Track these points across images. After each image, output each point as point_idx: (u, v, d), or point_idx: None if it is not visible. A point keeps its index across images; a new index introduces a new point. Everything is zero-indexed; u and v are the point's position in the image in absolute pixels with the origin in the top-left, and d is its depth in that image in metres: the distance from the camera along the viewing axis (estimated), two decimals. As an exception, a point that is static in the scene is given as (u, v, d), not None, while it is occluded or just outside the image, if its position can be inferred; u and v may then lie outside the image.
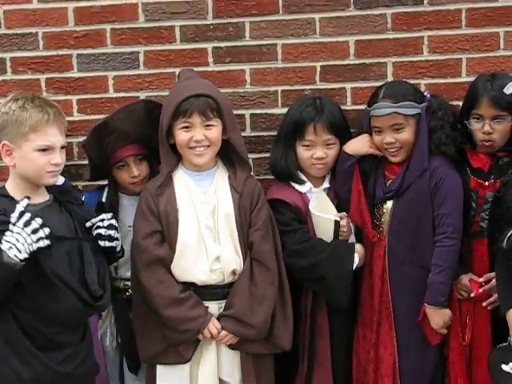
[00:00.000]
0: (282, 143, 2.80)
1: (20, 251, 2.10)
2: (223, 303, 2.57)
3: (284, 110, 2.91)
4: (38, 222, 2.13)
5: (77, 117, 3.03)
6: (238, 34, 2.94)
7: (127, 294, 2.75)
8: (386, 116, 2.62)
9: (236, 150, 2.61)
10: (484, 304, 2.60)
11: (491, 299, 2.58)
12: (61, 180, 2.57)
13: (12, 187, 2.31)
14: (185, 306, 2.49)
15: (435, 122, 2.64)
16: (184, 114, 2.49)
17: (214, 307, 2.57)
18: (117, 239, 2.41)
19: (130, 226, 2.62)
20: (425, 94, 2.72)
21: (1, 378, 2.21)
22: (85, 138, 2.85)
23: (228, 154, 2.64)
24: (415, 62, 2.91)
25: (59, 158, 2.30)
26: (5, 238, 2.12)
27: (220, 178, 2.62)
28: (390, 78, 2.91)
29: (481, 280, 2.60)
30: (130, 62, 2.99)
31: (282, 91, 2.97)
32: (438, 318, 2.61)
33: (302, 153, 2.76)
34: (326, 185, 2.81)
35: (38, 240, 2.11)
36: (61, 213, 2.34)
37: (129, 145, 2.66)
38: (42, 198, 2.33)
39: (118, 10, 2.96)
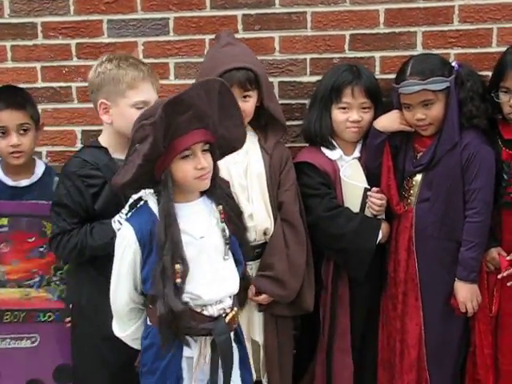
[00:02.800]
0: (317, 107, 2.80)
1: None
2: (253, 264, 2.60)
3: (312, 78, 2.94)
4: None
5: (106, 82, 3.05)
6: (268, 2, 2.94)
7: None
8: (415, 93, 2.60)
9: (274, 116, 2.66)
10: (509, 284, 2.62)
11: None
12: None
13: (107, 142, 2.49)
14: None
15: (465, 93, 2.62)
16: None
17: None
18: None
19: (201, 238, 2.18)
20: (453, 64, 2.69)
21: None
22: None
23: (258, 119, 2.67)
24: (445, 32, 2.89)
25: None
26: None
27: (250, 140, 2.62)
28: (419, 48, 2.90)
29: (509, 258, 2.61)
30: (160, 29, 3.00)
31: (311, 59, 2.97)
32: (465, 291, 2.62)
33: (338, 116, 2.77)
34: (357, 154, 2.82)
35: None
36: None
37: (201, 128, 2.09)
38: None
39: (149, -25, 2.97)
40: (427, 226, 2.68)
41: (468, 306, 2.63)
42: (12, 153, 2.60)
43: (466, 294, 2.62)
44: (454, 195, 2.63)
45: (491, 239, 2.65)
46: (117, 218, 2.31)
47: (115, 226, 2.32)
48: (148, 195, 2.20)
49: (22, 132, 2.60)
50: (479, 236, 2.60)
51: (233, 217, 2.22)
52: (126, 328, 2.24)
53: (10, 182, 2.67)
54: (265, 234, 2.62)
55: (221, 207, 2.20)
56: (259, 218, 2.60)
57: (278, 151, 2.68)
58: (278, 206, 2.65)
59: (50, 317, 2.63)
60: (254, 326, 2.65)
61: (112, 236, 2.24)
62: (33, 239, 2.58)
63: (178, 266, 2.08)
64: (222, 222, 2.20)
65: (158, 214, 2.12)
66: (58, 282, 2.63)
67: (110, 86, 2.43)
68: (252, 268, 2.61)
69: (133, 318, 2.23)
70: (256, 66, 2.62)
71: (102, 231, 2.36)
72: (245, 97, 2.57)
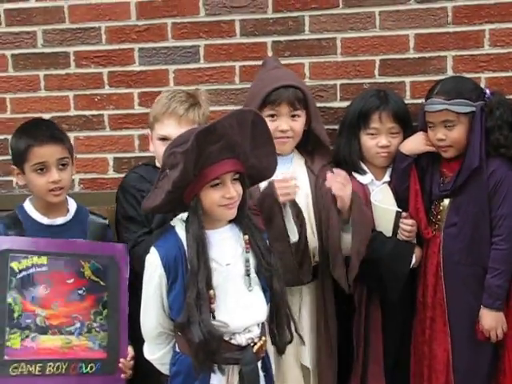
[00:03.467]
0: (345, 133, 2.82)
1: None
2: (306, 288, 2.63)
3: (343, 104, 2.95)
4: None
5: (138, 110, 3.08)
6: (298, 28, 2.96)
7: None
8: (438, 112, 2.61)
9: (320, 139, 2.71)
10: None
11: None
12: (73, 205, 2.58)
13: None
14: None
15: (493, 121, 2.61)
16: (273, 102, 2.55)
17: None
18: None
19: (227, 265, 2.18)
20: (485, 91, 2.68)
21: None
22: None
23: (305, 143, 2.72)
24: (476, 56, 2.89)
25: None
26: None
27: (297, 162, 2.69)
28: (449, 72, 2.90)
29: None
30: (191, 56, 3.03)
31: (341, 85, 2.98)
32: (490, 319, 2.60)
33: (367, 141, 2.78)
34: (387, 178, 2.82)
35: None
36: None
37: (231, 158, 2.10)
38: None
39: (179, 4, 3.00)
40: (454, 253, 2.66)
41: (492, 333, 2.61)
42: (52, 190, 2.43)
43: (491, 322, 2.60)
44: (481, 222, 2.61)
45: None
46: (178, 217, 2.25)
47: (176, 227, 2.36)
48: (176, 221, 2.20)
49: (61, 167, 2.45)
50: (505, 263, 2.58)
51: (257, 249, 2.20)
52: (155, 351, 2.25)
53: (45, 220, 2.48)
54: (313, 256, 2.63)
55: (246, 237, 2.20)
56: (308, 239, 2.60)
57: (324, 174, 2.68)
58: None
59: (91, 368, 2.40)
60: (303, 350, 2.62)
61: None
62: (72, 280, 2.40)
63: (212, 292, 2.09)
64: (246, 252, 2.20)
65: (184, 241, 2.14)
66: (98, 329, 2.42)
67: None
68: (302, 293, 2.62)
69: (161, 342, 2.23)
70: (304, 87, 2.68)
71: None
72: (293, 116, 2.62)
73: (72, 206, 2.57)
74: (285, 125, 2.57)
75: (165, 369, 2.25)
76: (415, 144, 2.73)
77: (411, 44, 2.92)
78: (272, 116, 2.59)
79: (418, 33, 2.91)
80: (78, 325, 2.40)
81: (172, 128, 2.49)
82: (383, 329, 2.79)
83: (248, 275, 2.18)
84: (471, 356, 2.68)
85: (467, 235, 2.64)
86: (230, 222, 2.22)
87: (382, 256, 2.67)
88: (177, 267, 2.13)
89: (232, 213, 2.16)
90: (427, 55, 2.92)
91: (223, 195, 2.10)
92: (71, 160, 2.53)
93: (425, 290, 2.75)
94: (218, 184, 2.10)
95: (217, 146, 2.05)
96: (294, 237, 2.53)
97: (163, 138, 2.52)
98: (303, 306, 2.67)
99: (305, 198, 2.64)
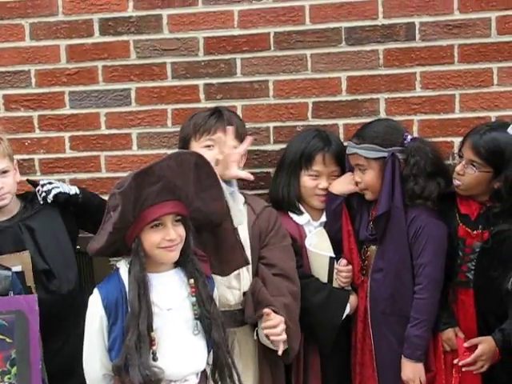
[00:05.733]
0: (285, 172, 2.77)
1: None
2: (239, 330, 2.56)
3: (276, 147, 2.93)
4: None
5: (69, 154, 3.04)
6: (230, 71, 2.94)
7: None
8: (351, 155, 2.62)
9: None
10: (464, 369, 2.54)
11: (477, 366, 2.51)
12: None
13: None
14: None
15: (407, 170, 2.56)
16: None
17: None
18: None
19: (168, 310, 2.15)
20: (405, 136, 2.62)
21: None
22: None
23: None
24: (408, 98, 2.88)
25: None
26: None
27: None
28: (382, 114, 2.89)
29: (466, 345, 2.53)
30: (122, 99, 2.99)
31: (274, 127, 2.96)
32: (408, 370, 2.57)
33: (307, 182, 2.75)
34: (324, 218, 2.79)
35: None
36: None
37: (172, 200, 2.09)
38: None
39: (110, 47, 2.97)
40: (380, 302, 2.63)
41: None
42: None
43: (409, 374, 2.56)
44: (403, 270, 2.58)
45: (449, 319, 2.59)
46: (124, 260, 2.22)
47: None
48: (121, 263, 2.18)
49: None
50: (425, 313, 2.54)
51: (198, 295, 2.17)
52: None
53: None
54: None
55: (192, 281, 2.17)
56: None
57: (266, 213, 2.62)
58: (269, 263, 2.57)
59: None
60: None
61: None
62: None
63: (153, 334, 2.07)
64: (192, 296, 2.17)
65: (126, 283, 2.11)
66: None
67: None
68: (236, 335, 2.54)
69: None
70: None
71: None
72: None
73: None
74: None
75: None
76: (344, 184, 2.72)
77: (343, 86, 2.91)
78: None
79: (349, 75, 2.90)
80: None
81: None
82: (322, 373, 2.73)
83: (196, 318, 2.16)
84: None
85: (391, 284, 2.60)
86: (175, 266, 2.20)
87: (312, 306, 2.63)
88: (117, 309, 2.12)
89: (173, 256, 2.14)
90: (360, 97, 2.91)
91: (163, 237, 2.09)
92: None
93: (355, 336, 2.73)
94: (158, 226, 2.09)
95: (155, 187, 2.04)
96: None
97: None
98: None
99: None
